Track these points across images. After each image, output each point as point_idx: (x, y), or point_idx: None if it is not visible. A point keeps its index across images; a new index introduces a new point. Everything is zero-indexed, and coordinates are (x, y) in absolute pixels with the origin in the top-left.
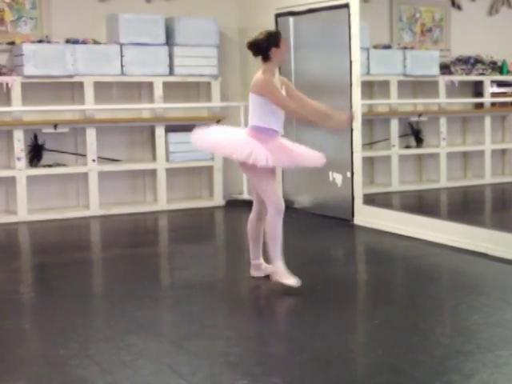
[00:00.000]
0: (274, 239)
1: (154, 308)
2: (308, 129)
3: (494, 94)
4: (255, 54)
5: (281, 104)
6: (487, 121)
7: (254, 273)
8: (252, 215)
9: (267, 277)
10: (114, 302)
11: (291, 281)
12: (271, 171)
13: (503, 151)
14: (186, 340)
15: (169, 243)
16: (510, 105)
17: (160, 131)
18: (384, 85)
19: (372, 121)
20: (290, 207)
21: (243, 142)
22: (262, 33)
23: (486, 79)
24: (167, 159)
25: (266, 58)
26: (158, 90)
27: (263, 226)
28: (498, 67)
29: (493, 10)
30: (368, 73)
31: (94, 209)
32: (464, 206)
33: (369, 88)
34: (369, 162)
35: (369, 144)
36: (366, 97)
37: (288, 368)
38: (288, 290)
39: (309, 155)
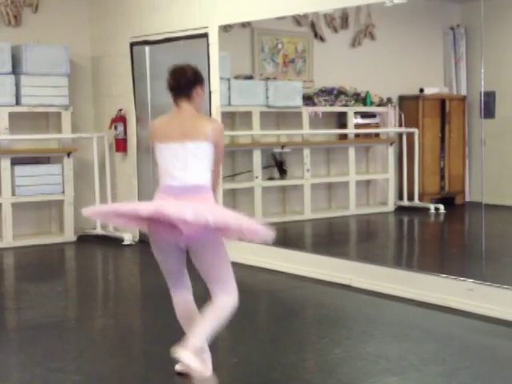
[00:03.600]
0: (213, 325)
1: None
2: None
3: (357, 126)
4: (180, 88)
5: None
6: (351, 152)
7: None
8: (186, 295)
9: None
10: None
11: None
12: None
13: (367, 182)
14: None
15: (14, 282)
16: (374, 136)
17: (5, 164)
18: (246, 116)
19: (234, 152)
20: (147, 241)
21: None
22: (188, 65)
23: (350, 110)
24: (13, 193)
25: (189, 97)
26: (4, 121)
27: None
28: (361, 98)
29: (356, 42)
30: (229, 103)
31: None
32: (329, 238)
33: (230, 119)
34: (231, 194)
35: (231, 176)
36: (227, 128)
37: None
38: (139, 330)
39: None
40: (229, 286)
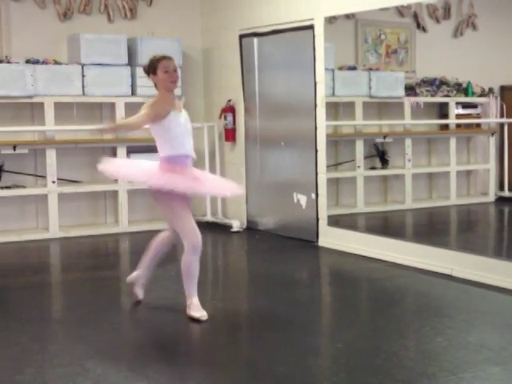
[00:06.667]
0: (191, 277)
1: (113, 332)
2: (272, 150)
3: (459, 116)
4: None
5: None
6: (452, 142)
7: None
8: (165, 234)
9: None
10: (72, 326)
11: (199, 314)
12: (185, 202)
13: (468, 172)
14: (145, 365)
15: (130, 266)
16: (475, 126)
17: (122, 152)
18: (349, 106)
19: (337, 142)
20: (254, 228)
21: (155, 172)
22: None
23: (451, 101)
24: (129, 181)
25: (154, 85)
26: (120, 111)
27: (167, 249)
28: (463, 89)
29: (457, 33)
30: (333, 94)
31: (54, 231)
32: (429, 228)
33: (334, 109)
34: (334, 183)
35: (334, 165)
36: (331, 118)
37: None
38: (247, 313)
39: (223, 185)
40: (183, 234)
